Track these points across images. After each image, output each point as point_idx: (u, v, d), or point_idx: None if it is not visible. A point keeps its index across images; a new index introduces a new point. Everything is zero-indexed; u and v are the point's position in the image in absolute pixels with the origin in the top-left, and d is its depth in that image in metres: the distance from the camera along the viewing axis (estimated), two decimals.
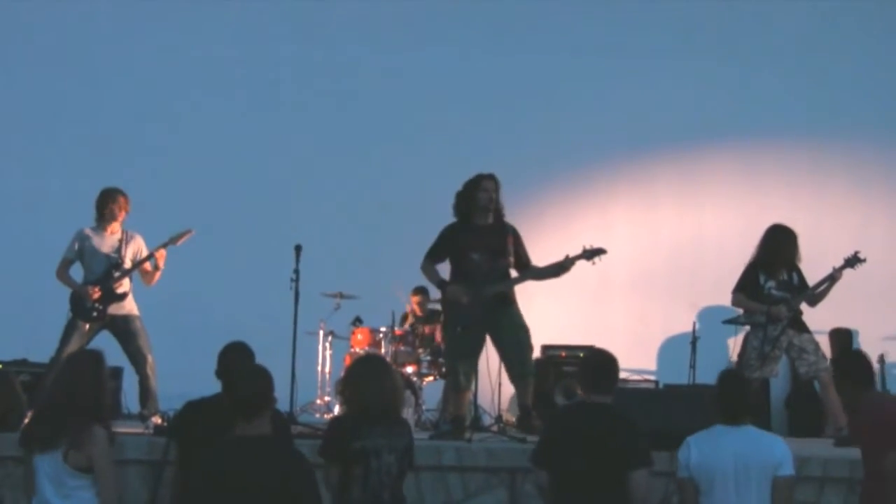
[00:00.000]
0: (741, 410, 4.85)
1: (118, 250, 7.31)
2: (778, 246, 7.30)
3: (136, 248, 7.39)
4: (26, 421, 5.10)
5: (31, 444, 4.54)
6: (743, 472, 4.70)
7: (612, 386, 4.89)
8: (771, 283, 7.27)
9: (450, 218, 7.09)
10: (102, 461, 4.49)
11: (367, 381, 4.66)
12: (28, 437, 4.59)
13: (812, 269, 7.36)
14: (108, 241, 7.33)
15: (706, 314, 8.99)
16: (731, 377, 5.11)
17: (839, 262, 7.23)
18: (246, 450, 3.78)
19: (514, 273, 7.01)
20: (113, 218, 7.31)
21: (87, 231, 7.35)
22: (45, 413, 4.62)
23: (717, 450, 4.76)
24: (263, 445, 3.83)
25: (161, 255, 7.27)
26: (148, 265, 7.31)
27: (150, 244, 7.39)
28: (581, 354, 8.29)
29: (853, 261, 7.21)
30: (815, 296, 7.27)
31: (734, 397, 4.86)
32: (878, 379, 8.24)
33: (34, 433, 4.56)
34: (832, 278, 7.19)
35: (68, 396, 4.55)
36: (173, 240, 7.32)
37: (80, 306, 7.21)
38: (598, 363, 4.97)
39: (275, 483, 3.70)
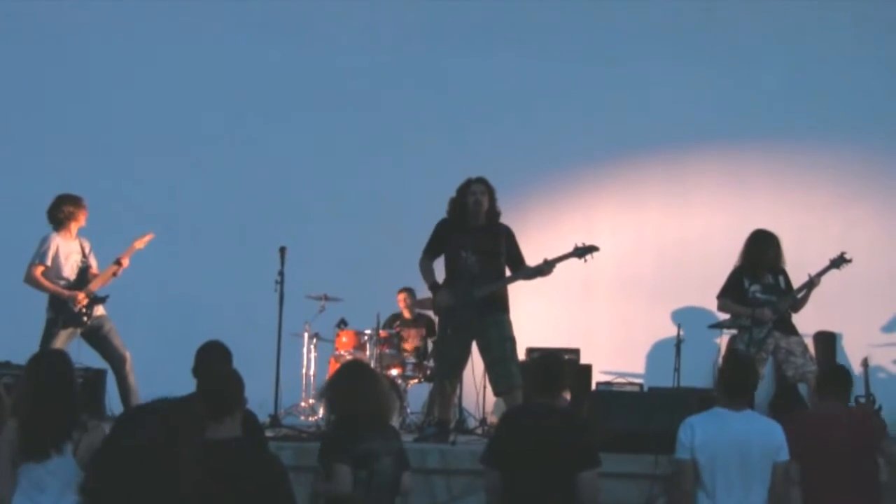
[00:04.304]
0: (746, 393, 4.87)
1: (85, 255, 7.36)
2: (759, 250, 7.30)
3: (90, 251, 7.43)
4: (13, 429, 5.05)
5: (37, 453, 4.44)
6: (747, 455, 4.70)
7: (561, 388, 4.92)
8: (756, 287, 7.26)
9: (435, 219, 7.00)
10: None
11: (355, 387, 4.67)
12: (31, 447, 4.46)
13: (795, 272, 7.37)
14: (74, 246, 7.35)
15: (691, 317, 9.00)
16: (738, 359, 5.17)
17: (822, 265, 7.23)
18: (216, 452, 3.76)
19: (507, 274, 6.88)
20: (78, 224, 7.33)
21: (56, 237, 7.32)
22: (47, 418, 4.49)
23: (722, 431, 4.74)
24: (234, 447, 3.80)
25: (126, 263, 7.30)
26: (119, 271, 7.32)
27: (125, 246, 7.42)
28: (565, 357, 8.29)
29: (839, 261, 7.22)
30: (796, 301, 7.28)
31: (741, 379, 4.87)
32: (862, 381, 8.31)
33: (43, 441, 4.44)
34: (810, 284, 7.18)
35: (66, 397, 4.51)
36: (136, 243, 7.35)
37: (68, 312, 7.20)
38: (546, 366, 5.02)
39: (246, 485, 3.68)
